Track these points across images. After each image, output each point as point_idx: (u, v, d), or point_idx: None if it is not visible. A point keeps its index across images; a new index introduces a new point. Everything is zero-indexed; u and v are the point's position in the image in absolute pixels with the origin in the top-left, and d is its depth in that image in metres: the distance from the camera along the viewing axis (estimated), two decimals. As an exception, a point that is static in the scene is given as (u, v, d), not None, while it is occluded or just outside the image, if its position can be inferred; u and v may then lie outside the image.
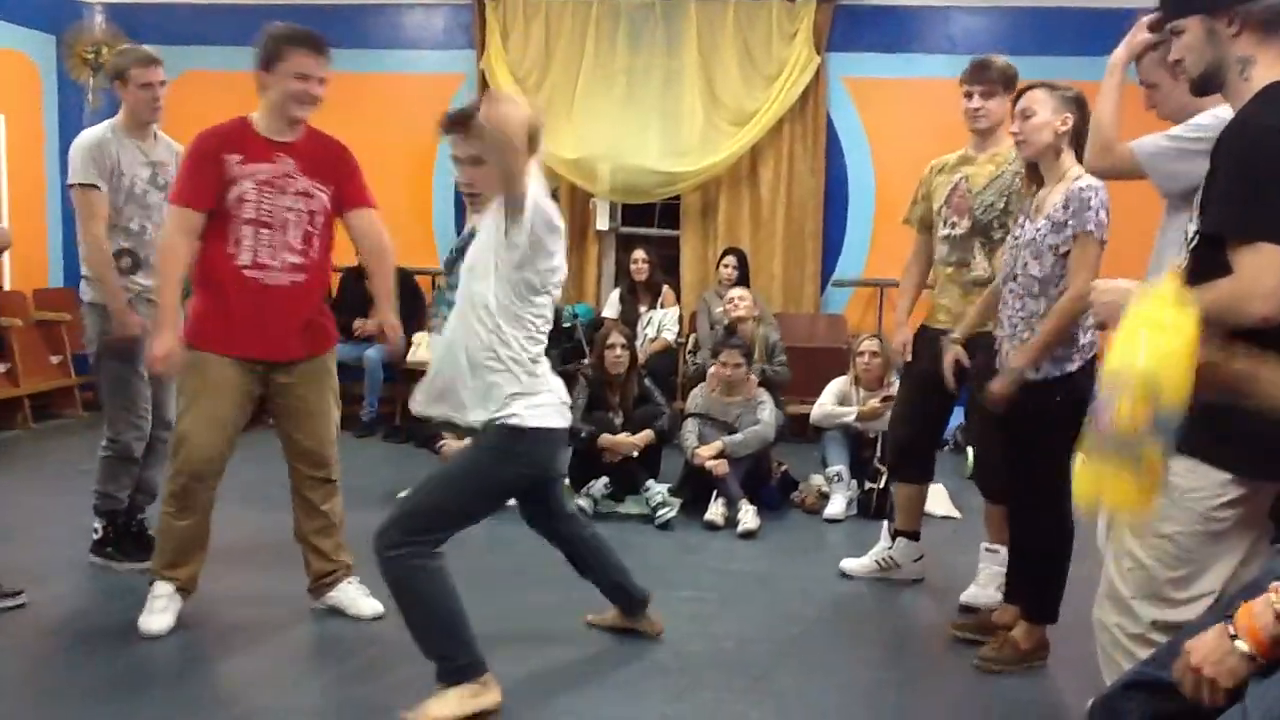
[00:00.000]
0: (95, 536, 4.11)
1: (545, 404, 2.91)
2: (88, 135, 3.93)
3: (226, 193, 3.31)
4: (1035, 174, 3.36)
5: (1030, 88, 3.30)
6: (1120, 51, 2.68)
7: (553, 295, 2.92)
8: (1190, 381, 1.65)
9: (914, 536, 4.19)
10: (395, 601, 2.91)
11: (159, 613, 3.45)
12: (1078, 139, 3.16)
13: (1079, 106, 3.20)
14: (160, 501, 3.54)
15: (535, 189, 2.74)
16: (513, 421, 2.84)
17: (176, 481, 3.42)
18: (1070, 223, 3.14)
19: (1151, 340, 1.65)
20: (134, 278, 3.95)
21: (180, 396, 3.46)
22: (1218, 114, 2.50)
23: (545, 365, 2.96)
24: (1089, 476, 1.67)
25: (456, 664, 2.90)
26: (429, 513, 2.88)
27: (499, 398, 2.84)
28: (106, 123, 3.98)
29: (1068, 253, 3.15)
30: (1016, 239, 3.34)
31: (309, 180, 3.45)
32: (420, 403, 2.97)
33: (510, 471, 2.93)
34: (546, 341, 2.96)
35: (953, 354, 3.60)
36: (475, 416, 2.87)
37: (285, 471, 5.79)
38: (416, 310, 7.35)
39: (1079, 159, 3.14)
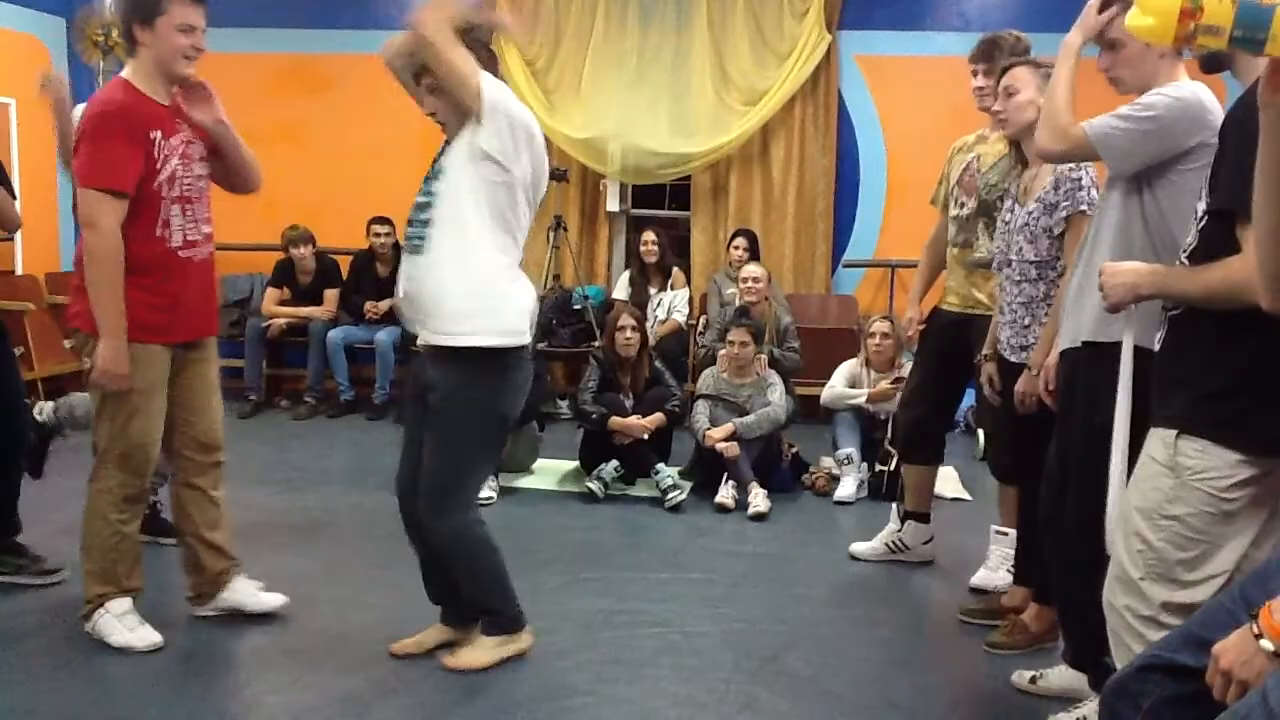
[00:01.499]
0: None
1: (525, 319, 2.95)
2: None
3: (156, 173, 3.08)
4: (1021, 153, 3.35)
5: (1014, 65, 3.28)
6: (1074, 35, 2.66)
7: (530, 201, 2.93)
8: None
9: (924, 519, 4.18)
10: (451, 565, 3.09)
11: (140, 626, 3.24)
12: None
13: None
14: (98, 518, 3.19)
15: (493, 88, 2.79)
16: (499, 343, 2.87)
17: (131, 488, 3.19)
18: (1063, 204, 3.14)
19: None
20: None
21: (124, 394, 3.10)
22: (1166, 92, 2.53)
23: (517, 279, 2.97)
24: None
25: (505, 616, 3.14)
26: (453, 479, 3.00)
27: (474, 319, 2.86)
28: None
29: (1063, 234, 3.14)
30: (1007, 224, 3.33)
31: (200, 142, 3.23)
32: (407, 319, 3.03)
33: (505, 400, 2.97)
34: (521, 253, 2.99)
35: (986, 372, 3.56)
36: (450, 338, 2.88)
37: (299, 453, 5.88)
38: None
39: None
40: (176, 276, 3.17)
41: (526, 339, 2.95)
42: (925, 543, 4.20)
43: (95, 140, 3.02)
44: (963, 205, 3.80)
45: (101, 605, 3.23)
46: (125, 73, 3.15)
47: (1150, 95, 2.54)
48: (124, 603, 3.26)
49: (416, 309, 2.93)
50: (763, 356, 5.50)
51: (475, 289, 2.86)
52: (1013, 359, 3.33)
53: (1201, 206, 2.09)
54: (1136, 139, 2.51)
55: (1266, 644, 1.49)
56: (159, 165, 3.09)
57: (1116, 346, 2.45)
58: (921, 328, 4.08)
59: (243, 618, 3.47)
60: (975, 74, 3.73)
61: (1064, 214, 3.14)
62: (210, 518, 3.42)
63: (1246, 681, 1.50)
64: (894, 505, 4.37)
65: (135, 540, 3.29)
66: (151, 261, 3.11)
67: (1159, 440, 2.09)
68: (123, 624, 3.23)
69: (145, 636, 3.23)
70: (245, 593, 3.48)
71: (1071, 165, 3.13)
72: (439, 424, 2.95)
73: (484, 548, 3.07)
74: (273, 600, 3.50)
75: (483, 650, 3.13)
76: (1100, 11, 2.59)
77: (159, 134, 3.09)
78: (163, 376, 3.19)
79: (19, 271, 7.21)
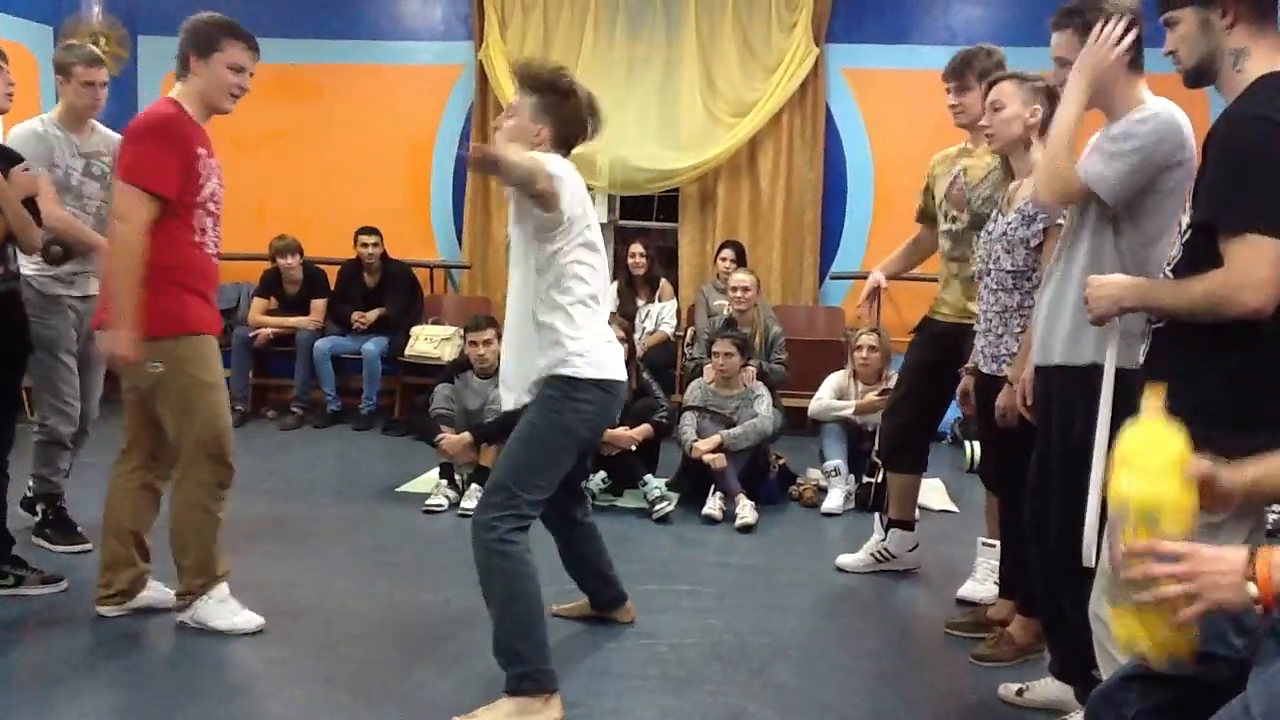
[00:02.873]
0: (36, 520, 4.24)
1: (594, 355, 2.94)
2: (23, 130, 4.04)
3: (200, 188, 3.28)
4: (1009, 166, 3.39)
5: (1000, 80, 3.29)
6: (1083, 73, 2.54)
7: (585, 246, 2.94)
8: (1189, 500, 1.56)
9: (908, 526, 4.18)
10: (481, 589, 2.91)
11: (242, 611, 3.44)
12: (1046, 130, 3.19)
13: (1048, 97, 3.17)
14: (197, 509, 3.34)
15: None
16: (565, 371, 2.90)
17: (223, 474, 3.37)
18: (1041, 216, 3.14)
19: (1138, 466, 1.56)
20: (64, 267, 4.02)
21: (205, 391, 3.29)
22: (1142, 119, 2.51)
23: (597, 320, 2.99)
24: (1122, 623, 1.57)
25: (523, 669, 2.84)
26: (506, 481, 2.90)
27: (549, 356, 2.92)
28: (40, 116, 4.13)
29: (1040, 245, 3.16)
30: (989, 233, 3.35)
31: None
32: (506, 398, 3.09)
33: (570, 419, 2.93)
34: (598, 302, 3.00)
35: (964, 385, 3.59)
36: (532, 382, 2.96)
37: (287, 463, 5.87)
38: (415, 303, 7.37)
39: None
40: (210, 277, 3.40)
41: (586, 372, 2.92)
42: (911, 550, 4.21)
43: (145, 143, 3.22)
44: (954, 220, 3.80)
45: (203, 594, 3.40)
46: (174, 93, 3.33)
47: (1127, 124, 2.53)
48: (223, 588, 3.44)
49: None
50: (750, 369, 5.50)
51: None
52: (985, 370, 3.35)
53: (1185, 220, 2.11)
54: (1127, 176, 2.50)
55: (1251, 589, 1.45)
56: (203, 181, 3.29)
57: (1088, 369, 2.49)
58: (910, 337, 4.10)
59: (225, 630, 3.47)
60: (949, 91, 3.75)
61: (1041, 225, 3.16)
62: (148, 520, 3.54)
63: (1200, 595, 1.44)
64: (877, 515, 4.38)
65: (218, 528, 3.42)
66: (196, 263, 3.33)
67: (1144, 452, 2.09)
68: (226, 609, 3.41)
69: (250, 619, 3.42)
70: (158, 591, 3.58)
71: None
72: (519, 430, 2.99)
73: (520, 577, 2.87)
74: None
75: (500, 714, 2.82)
76: (1119, 43, 2.50)
77: (204, 152, 3.30)
78: (220, 364, 3.42)
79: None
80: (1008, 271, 3.25)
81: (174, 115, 3.26)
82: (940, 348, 3.84)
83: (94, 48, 4.22)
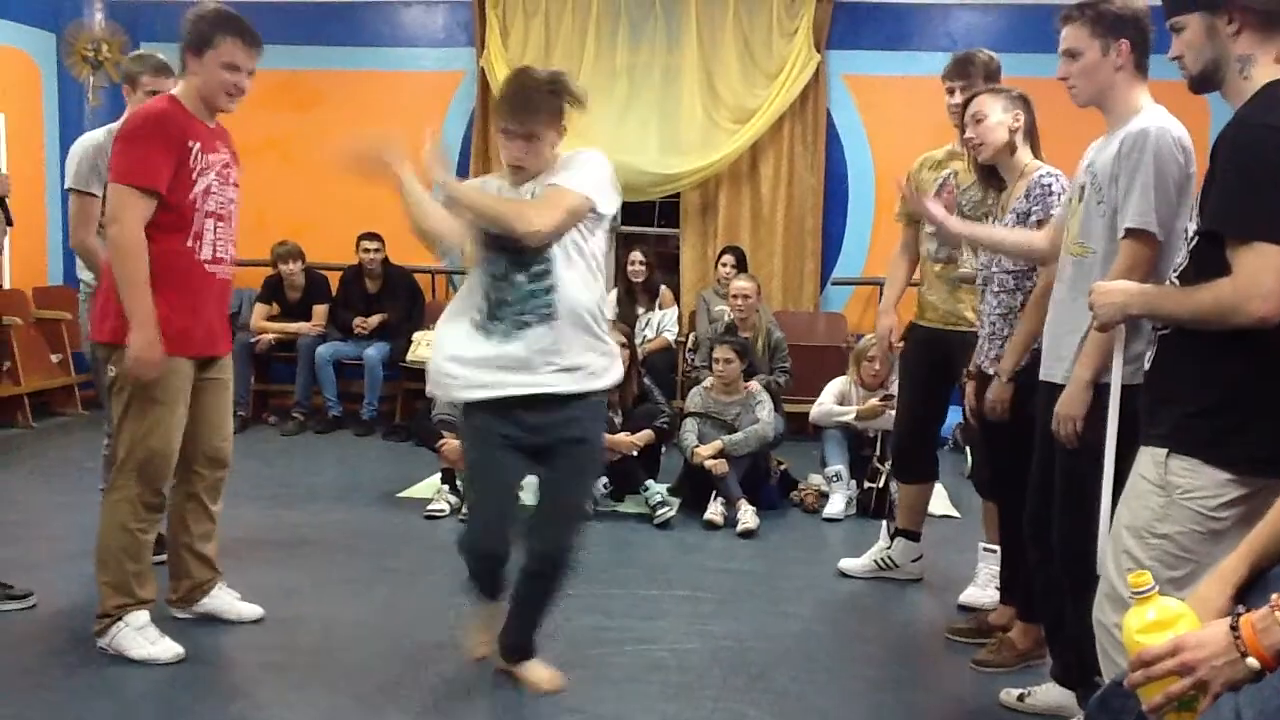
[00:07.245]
0: None
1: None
2: (89, 140, 3.93)
3: (193, 183, 3.16)
4: (994, 178, 3.42)
5: (977, 94, 3.36)
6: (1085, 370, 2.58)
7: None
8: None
9: (914, 537, 4.17)
10: (549, 600, 3.09)
11: (161, 639, 3.23)
12: (1031, 135, 3.30)
13: (1025, 104, 3.29)
14: (116, 526, 3.21)
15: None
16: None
17: (149, 496, 3.21)
18: (1034, 209, 3.17)
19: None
20: None
21: (146, 404, 3.16)
22: (1147, 149, 2.49)
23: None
24: None
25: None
26: (583, 505, 3.20)
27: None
28: (107, 127, 3.98)
29: None
30: None
31: (236, 171, 3.36)
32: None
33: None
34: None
35: (968, 391, 3.57)
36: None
37: (288, 468, 5.87)
38: (417, 308, 7.37)
39: (1035, 154, 3.30)
40: (199, 289, 3.24)
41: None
42: (914, 560, 4.20)
43: (130, 140, 3.15)
44: None
45: (120, 619, 3.22)
46: (175, 90, 3.28)
47: (1140, 155, 2.51)
48: (142, 615, 3.25)
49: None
50: (754, 383, 5.48)
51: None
52: (990, 371, 3.35)
53: (1191, 227, 2.11)
54: (1165, 206, 2.47)
55: (1252, 662, 1.46)
56: (195, 175, 3.18)
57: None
58: (901, 344, 4.09)
59: (228, 635, 3.46)
60: (952, 92, 3.74)
61: (1035, 220, 3.17)
62: (204, 530, 3.49)
63: (1208, 683, 1.44)
64: (884, 523, 4.38)
65: (150, 550, 3.31)
66: (178, 272, 3.18)
67: (1149, 459, 2.09)
68: (143, 636, 3.22)
69: (168, 648, 3.22)
70: (224, 601, 3.54)
71: (1044, 174, 3.19)
72: (587, 458, 3.15)
73: None
74: (250, 611, 3.56)
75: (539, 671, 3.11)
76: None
77: (197, 145, 3.18)
78: (184, 388, 3.24)
79: (6, 286, 7.18)
80: (1009, 272, 3.26)
81: (162, 110, 3.18)
82: (929, 354, 3.83)
83: (161, 57, 4.01)
